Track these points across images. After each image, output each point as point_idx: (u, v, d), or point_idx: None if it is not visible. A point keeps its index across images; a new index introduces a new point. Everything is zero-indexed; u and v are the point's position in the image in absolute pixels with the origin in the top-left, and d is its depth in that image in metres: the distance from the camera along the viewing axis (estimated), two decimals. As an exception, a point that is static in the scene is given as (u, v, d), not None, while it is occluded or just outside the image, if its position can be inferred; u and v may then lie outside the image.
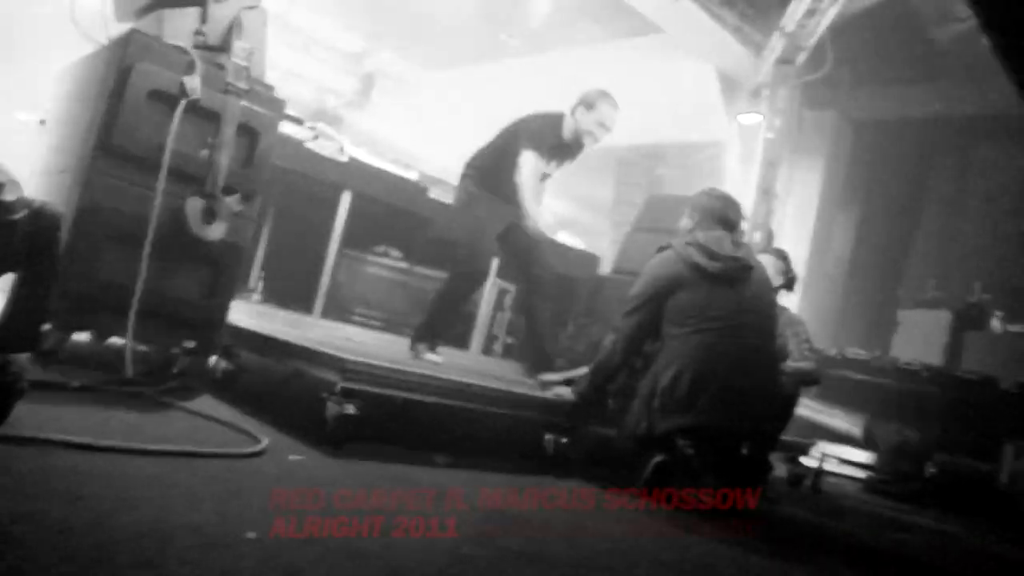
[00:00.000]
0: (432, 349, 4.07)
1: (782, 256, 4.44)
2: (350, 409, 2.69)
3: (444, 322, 4.22)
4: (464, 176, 4.19)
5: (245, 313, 3.81)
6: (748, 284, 3.27)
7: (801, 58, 7.60)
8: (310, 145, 4.66)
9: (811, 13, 7.31)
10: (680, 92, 8.27)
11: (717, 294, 3.20)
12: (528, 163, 3.92)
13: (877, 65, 8.32)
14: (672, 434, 3.13)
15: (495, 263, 5.31)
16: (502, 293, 5.65)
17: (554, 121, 4.08)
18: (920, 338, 8.26)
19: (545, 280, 4.14)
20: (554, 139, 4.06)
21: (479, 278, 4.23)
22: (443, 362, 3.89)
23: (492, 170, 4.06)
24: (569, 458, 3.40)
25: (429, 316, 4.19)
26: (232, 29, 3.31)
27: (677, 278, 3.23)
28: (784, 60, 7.61)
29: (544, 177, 4.19)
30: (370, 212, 5.01)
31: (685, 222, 3.51)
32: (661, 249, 3.43)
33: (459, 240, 4.15)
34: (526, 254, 4.14)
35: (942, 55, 7.88)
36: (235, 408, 2.99)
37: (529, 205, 3.90)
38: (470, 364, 4.39)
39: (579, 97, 4.06)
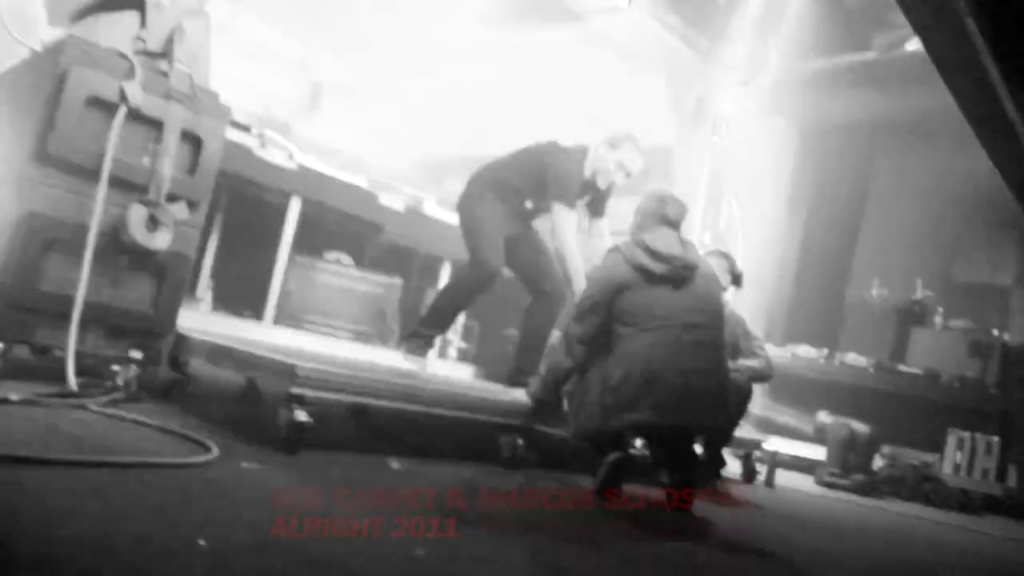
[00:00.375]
0: (425, 350, 4.01)
1: (724, 256, 4.52)
2: (302, 416, 2.66)
3: (444, 318, 4.13)
4: (478, 176, 4.15)
5: (194, 322, 3.75)
6: (694, 283, 3.31)
7: (746, 63, 7.75)
8: (258, 152, 4.61)
9: (757, 20, 7.47)
10: (628, 97, 8.36)
11: (663, 294, 3.24)
12: (565, 223, 3.87)
13: (821, 70, 8.51)
14: (623, 431, 3.16)
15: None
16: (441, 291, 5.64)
17: (578, 159, 4.01)
18: (868, 334, 8.48)
19: (554, 295, 4.12)
20: (579, 180, 3.98)
21: (490, 272, 3.99)
22: (419, 370, 3.84)
23: (508, 183, 4.04)
24: (526, 459, 3.41)
25: (430, 310, 4.13)
26: (174, 35, 3.26)
27: (624, 280, 3.26)
28: (730, 65, 7.75)
29: (536, 216, 4.20)
30: (320, 219, 4.97)
31: (632, 224, 3.55)
32: (609, 252, 3.48)
33: (470, 232, 4.07)
34: (535, 268, 4.14)
35: (883, 60, 8.09)
36: (185, 418, 2.93)
37: (575, 272, 3.85)
38: (442, 372, 4.38)
39: (606, 135, 3.99)
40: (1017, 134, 4.98)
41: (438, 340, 4.51)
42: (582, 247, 3.97)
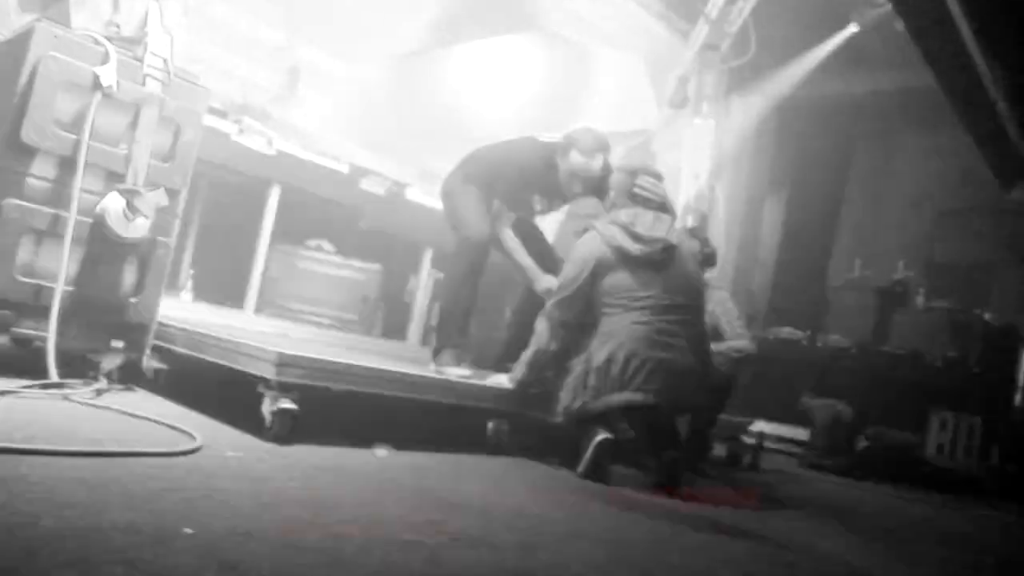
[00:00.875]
0: (457, 361, 3.72)
1: (695, 235, 4.49)
2: (287, 403, 2.64)
3: (457, 321, 3.86)
4: (462, 165, 4.06)
5: (176, 310, 3.71)
6: (673, 263, 3.30)
7: (726, 44, 7.73)
8: (236, 139, 4.56)
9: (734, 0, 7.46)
10: (607, 80, 8.33)
11: (643, 275, 3.23)
12: (501, 223, 3.83)
13: (800, 50, 8.52)
14: (608, 412, 3.16)
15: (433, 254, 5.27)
16: (438, 283, 5.62)
17: (543, 159, 3.86)
18: (850, 316, 8.52)
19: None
20: (540, 179, 3.87)
21: (477, 244, 3.82)
22: (471, 374, 3.61)
23: (487, 174, 3.95)
24: (512, 444, 3.41)
25: (441, 318, 3.96)
26: (148, 19, 3.20)
27: (602, 260, 3.25)
28: (709, 46, 7.73)
29: (542, 214, 4.10)
30: (301, 205, 4.93)
31: (607, 200, 3.54)
32: (584, 231, 3.44)
33: (453, 212, 3.96)
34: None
35: (863, 40, 8.10)
36: (169, 407, 2.90)
37: (522, 263, 3.80)
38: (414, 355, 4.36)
39: (563, 138, 3.82)
40: (996, 112, 5.02)
41: (420, 327, 4.44)
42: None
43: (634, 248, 3.23)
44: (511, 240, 3.87)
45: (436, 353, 3.81)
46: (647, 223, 3.30)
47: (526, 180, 3.90)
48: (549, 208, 4.11)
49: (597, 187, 3.82)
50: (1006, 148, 5.95)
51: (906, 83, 7.80)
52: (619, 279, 3.22)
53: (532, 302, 3.96)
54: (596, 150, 3.73)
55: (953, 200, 9.19)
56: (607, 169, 3.76)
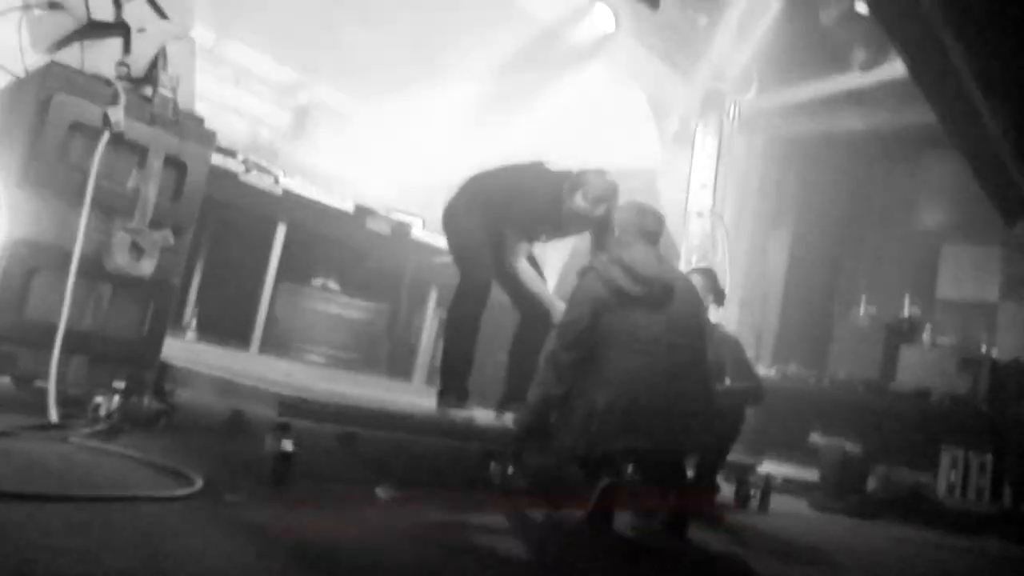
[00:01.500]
0: (461, 401, 3.64)
1: (707, 274, 4.47)
2: (288, 445, 2.61)
3: (463, 357, 3.78)
4: (464, 190, 4.00)
5: (179, 349, 3.69)
6: (673, 303, 3.27)
7: (728, 83, 7.80)
8: (244, 178, 4.58)
9: (736, 40, 7.54)
10: (612, 118, 8.39)
11: (643, 315, 3.19)
12: (512, 247, 3.76)
13: (802, 89, 8.58)
14: (612, 456, 3.11)
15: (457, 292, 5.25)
16: (443, 322, 5.60)
17: (552, 194, 3.79)
18: (856, 352, 8.46)
19: (543, 318, 3.86)
20: (550, 213, 3.80)
21: (479, 284, 3.78)
22: (475, 415, 3.55)
23: (492, 199, 3.87)
24: (515, 485, 3.36)
25: (445, 357, 3.85)
26: (157, 60, 3.23)
27: (603, 301, 3.21)
28: (712, 85, 7.80)
29: (544, 243, 4.07)
30: (307, 244, 4.94)
31: (612, 237, 3.52)
32: (584, 271, 3.41)
33: (456, 246, 3.92)
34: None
35: (864, 78, 8.15)
36: (169, 449, 2.87)
37: (541, 294, 3.77)
38: (416, 396, 4.33)
39: (576, 174, 3.77)
40: (998, 149, 5.02)
41: (425, 366, 4.40)
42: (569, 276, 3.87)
43: (634, 288, 3.20)
44: (526, 272, 3.80)
45: (441, 394, 3.76)
46: (649, 263, 3.28)
47: (537, 213, 3.83)
48: (552, 238, 4.07)
49: (595, 227, 3.82)
50: (1008, 184, 5.95)
51: (908, 120, 7.83)
52: (620, 320, 3.19)
53: (527, 339, 3.94)
54: (602, 200, 3.69)
55: (957, 235, 9.18)
56: (608, 215, 3.73)
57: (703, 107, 7.89)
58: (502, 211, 3.83)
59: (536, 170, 3.97)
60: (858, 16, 7.01)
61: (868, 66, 7.79)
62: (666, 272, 3.30)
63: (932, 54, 4.20)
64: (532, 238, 3.93)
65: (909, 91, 5.90)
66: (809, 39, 7.87)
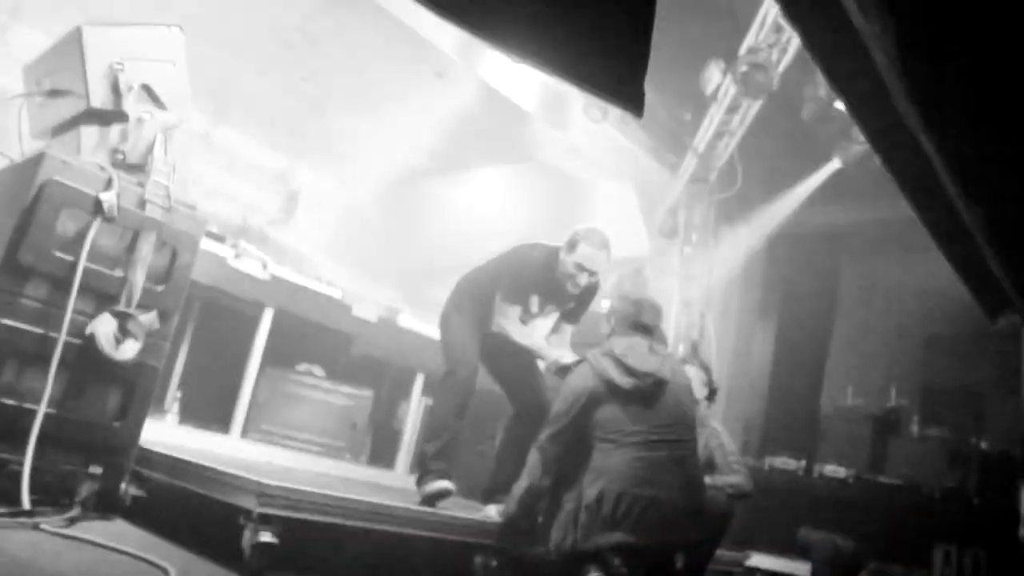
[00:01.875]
0: (438, 482, 3.61)
1: (705, 368, 4.49)
2: (268, 536, 2.55)
3: (444, 447, 3.76)
4: (458, 287, 4.08)
5: (159, 434, 3.63)
6: (665, 397, 3.26)
7: (713, 176, 8.00)
8: (232, 262, 4.60)
9: (720, 135, 7.76)
10: (600, 209, 8.54)
11: (634, 410, 3.19)
12: (502, 314, 3.78)
13: (786, 183, 8.79)
14: (601, 551, 3.05)
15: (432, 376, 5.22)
16: (428, 410, 5.54)
17: (541, 256, 3.88)
18: (845, 444, 8.40)
19: (534, 409, 3.89)
20: (541, 279, 3.86)
21: (462, 377, 3.81)
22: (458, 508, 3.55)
23: (483, 287, 3.92)
24: (500, 580, 3.28)
25: (426, 446, 3.84)
26: (153, 148, 3.29)
27: (594, 393, 3.21)
28: (697, 179, 7.99)
29: (533, 317, 4.03)
30: (293, 329, 4.92)
31: (604, 329, 3.53)
32: (577, 363, 3.42)
33: (445, 343, 3.96)
34: (516, 378, 4.01)
35: (847, 173, 8.36)
36: (143, 537, 2.80)
37: (531, 345, 3.78)
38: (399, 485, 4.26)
39: (571, 235, 3.84)
40: (976, 245, 5.11)
41: (408, 455, 4.33)
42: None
43: (625, 382, 3.19)
44: (516, 329, 3.80)
45: (420, 482, 3.70)
46: (641, 355, 3.28)
47: (524, 279, 3.86)
48: (541, 311, 4.07)
49: (585, 297, 3.90)
50: (989, 278, 6.03)
51: (890, 214, 7.98)
52: (610, 413, 3.18)
53: (517, 432, 3.91)
54: (603, 246, 3.77)
55: (941, 326, 9.24)
56: (593, 287, 3.84)
57: (688, 199, 8.07)
58: (493, 284, 3.88)
59: (525, 246, 4.02)
60: (838, 112, 7.24)
61: (849, 161, 8.01)
62: (660, 365, 3.29)
63: (906, 151, 4.32)
64: (523, 304, 3.92)
65: (891, 187, 6.05)
66: (791, 135, 8.12)
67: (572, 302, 4.02)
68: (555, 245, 3.91)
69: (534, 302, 3.96)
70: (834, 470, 7.45)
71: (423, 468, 3.76)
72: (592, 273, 3.79)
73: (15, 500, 2.68)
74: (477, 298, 3.94)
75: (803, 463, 7.64)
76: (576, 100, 7.22)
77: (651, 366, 3.25)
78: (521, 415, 4.00)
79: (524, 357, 4.02)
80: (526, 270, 3.86)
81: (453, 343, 3.92)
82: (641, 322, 3.42)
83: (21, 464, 2.74)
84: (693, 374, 4.16)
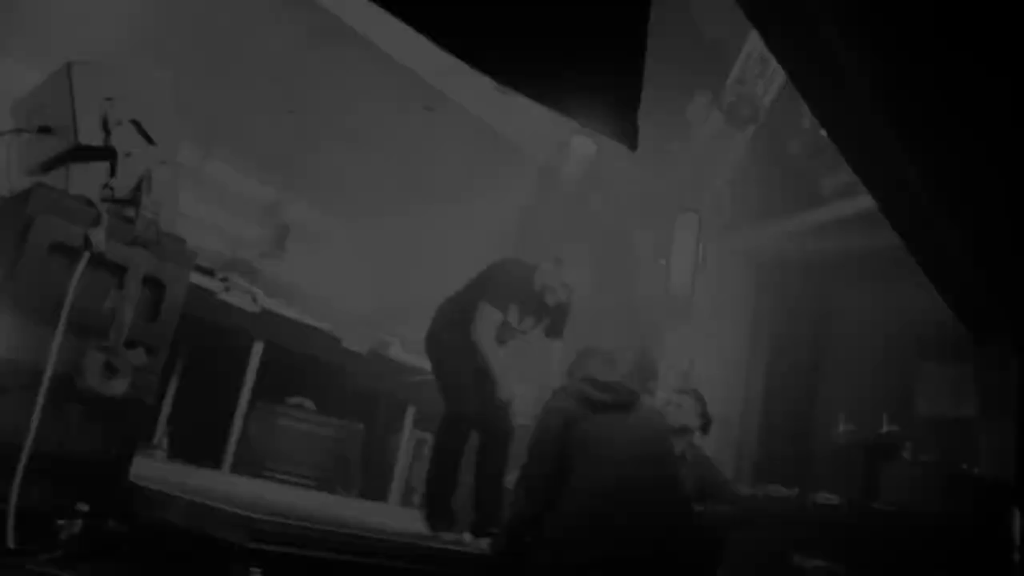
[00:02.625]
0: (445, 522, 3.66)
1: (699, 398, 4.46)
2: (258, 572, 2.52)
3: (444, 487, 3.79)
4: (440, 312, 4.08)
5: (148, 470, 3.60)
6: (638, 409, 3.33)
7: (703, 205, 8.05)
8: (221, 296, 4.60)
9: (709, 164, 7.84)
10: (592, 237, 8.58)
11: (610, 424, 3.23)
12: (485, 318, 3.79)
13: (774, 211, 8.85)
14: (582, 568, 3.05)
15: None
16: (420, 443, 5.51)
17: (527, 272, 3.94)
18: (837, 471, 8.37)
19: (500, 430, 3.91)
20: (525, 293, 3.91)
21: (464, 420, 3.83)
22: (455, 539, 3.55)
23: (465, 304, 3.93)
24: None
25: (427, 486, 3.86)
26: (142, 183, 3.30)
27: (571, 413, 3.25)
28: (687, 209, 8.04)
29: (515, 334, 4.06)
30: (283, 363, 4.91)
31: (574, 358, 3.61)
32: (555, 391, 3.48)
33: (437, 374, 3.97)
34: (490, 401, 3.94)
35: (830, 205, 8.44)
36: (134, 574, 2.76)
37: (492, 367, 3.77)
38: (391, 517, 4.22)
39: (557, 252, 3.93)
40: (963, 272, 5.15)
41: (401, 486, 4.32)
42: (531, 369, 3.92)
43: (601, 396, 3.27)
44: (487, 344, 3.81)
45: (428, 517, 3.74)
46: (608, 372, 3.37)
47: (505, 287, 3.90)
48: (519, 324, 4.04)
49: (563, 311, 4.01)
50: (976, 306, 6.06)
51: (879, 241, 8.05)
52: (590, 428, 3.22)
53: (488, 461, 3.93)
54: (585, 265, 3.92)
55: (932, 352, 9.27)
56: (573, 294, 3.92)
57: (678, 228, 8.11)
58: (478, 294, 3.91)
59: (512, 258, 4.14)
60: (826, 143, 7.32)
61: (837, 191, 8.09)
62: (626, 379, 3.39)
63: (890, 181, 4.37)
64: (503, 311, 3.92)
65: (874, 219, 6.10)
66: (779, 165, 8.20)
67: (549, 316, 4.07)
68: (533, 263, 4.01)
69: (513, 311, 3.96)
70: (827, 497, 7.42)
71: (429, 508, 3.80)
72: (571, 289, 3.93)
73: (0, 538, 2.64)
74: (461, 321, 3.93)
75: (796, 491, 7.60)
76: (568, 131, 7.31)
77: (620, 381, 3.34)
78: (486, 444, 3.97)
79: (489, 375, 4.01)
80: (506, 276, 3.93)
81: (449, 370, 3.94)
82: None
83: (6, 502, 2.70)
84: (687, 403, 4.16)
